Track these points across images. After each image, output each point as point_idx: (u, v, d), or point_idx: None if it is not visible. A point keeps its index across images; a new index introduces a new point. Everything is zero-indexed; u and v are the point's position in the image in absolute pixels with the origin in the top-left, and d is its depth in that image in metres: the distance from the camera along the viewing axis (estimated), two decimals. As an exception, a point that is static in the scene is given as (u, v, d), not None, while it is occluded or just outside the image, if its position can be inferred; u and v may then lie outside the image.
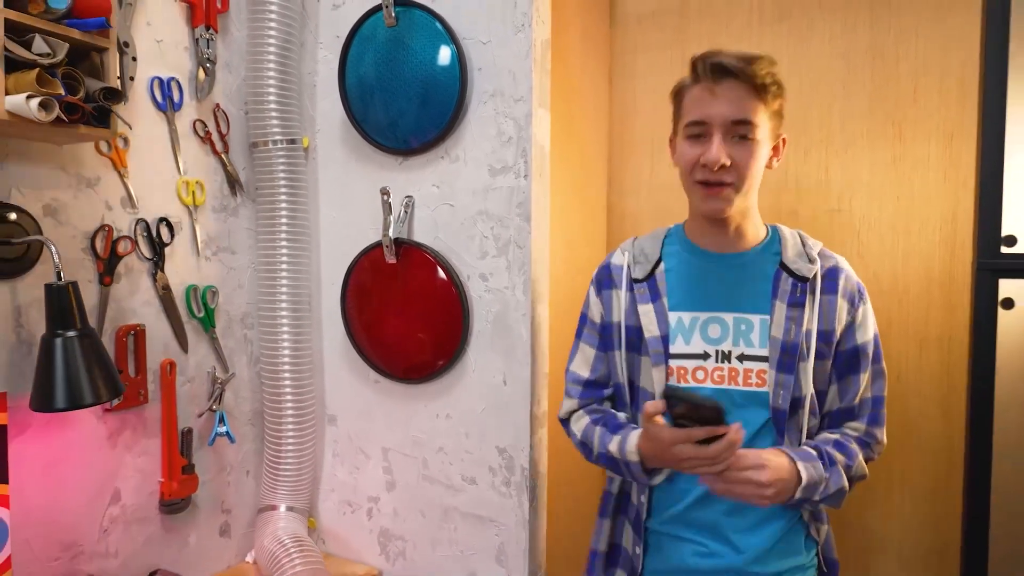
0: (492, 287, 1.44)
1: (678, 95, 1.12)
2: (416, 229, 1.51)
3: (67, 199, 1.24)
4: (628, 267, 1.19)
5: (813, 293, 1.10)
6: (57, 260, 1.06)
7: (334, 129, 1.61)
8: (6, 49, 1.00)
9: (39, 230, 1.18)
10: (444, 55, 1.44)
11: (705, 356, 1.11)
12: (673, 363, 1.12)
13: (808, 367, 1.07)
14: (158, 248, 1.39)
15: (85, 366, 1.06)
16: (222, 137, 1.53)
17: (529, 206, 1.40)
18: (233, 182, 1.55)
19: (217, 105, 1.52)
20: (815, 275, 1.10)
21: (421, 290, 1.49)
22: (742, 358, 1.11)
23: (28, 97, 0.99)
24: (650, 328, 1.13)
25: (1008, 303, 1.04)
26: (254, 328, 1.61)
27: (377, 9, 1.48)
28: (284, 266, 1.56)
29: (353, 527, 1.64)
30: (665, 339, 1.12)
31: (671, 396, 0.95)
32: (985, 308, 1.06)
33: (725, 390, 1.10)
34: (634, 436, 1.09)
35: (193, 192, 1.46)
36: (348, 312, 1.59)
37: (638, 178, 2.07)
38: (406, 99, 1.48)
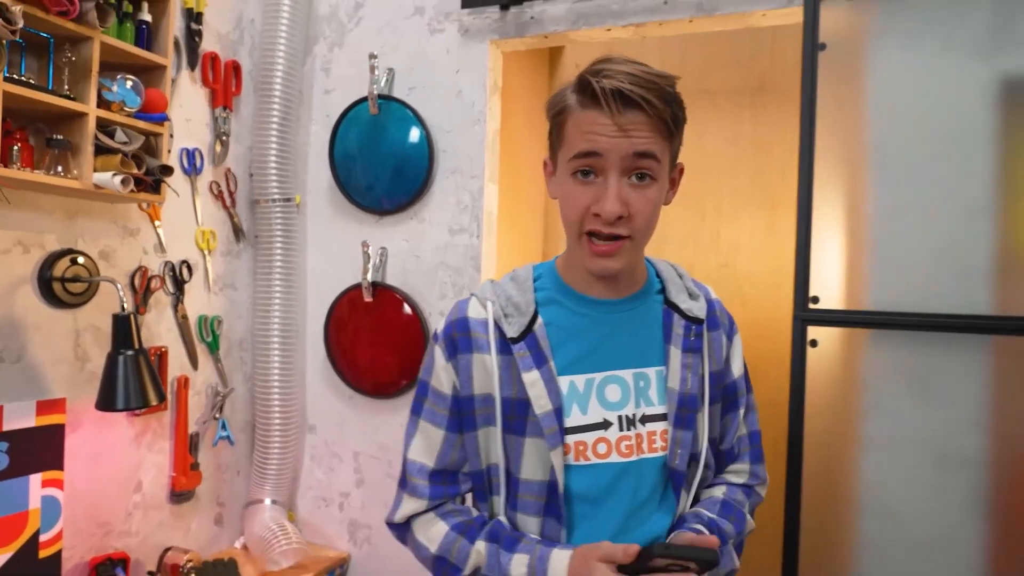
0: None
1: (560, 114, 0.91)
2: (388, 274, 1.89)
3: (116, 245, 1.57)
4: (496, 323, 0.95)
5: (703, 333, 0.97)
6: (122, 295, 1.39)
7: (322, 190, 1.97)
8: (96, 139, 1.34)
9: (97, 271, 1.51)
10: (416, 139, 1.83)
11: (606, 425, 0.93)
12: (570, 439, 0.92)
13: (705, 417, 0.96)
14: (180, 285, 1.72)
15: (139, 377, 1.39)
16: (231, 195, 1.87)
17: (480, 260, 1.80)
18: (237, 231, 1.90)
19: (228, 169, 1.86)
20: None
21: (391, 323, 1.86)
22: (645, 420, 0.94)
23: (114, 175, 1.33)
24: (541, 402, 0.91)
25: (814, 343, 1.48)
26: (249, 351, 1.94)
27: (363, 99, 1.87)
28: (277, 301, 1.90)
29: (326, 518, 1.97)
30: (559, 412, 0.92)
31: (658, 554, 0.81)
32: (799, 347, 1.49)
33: (635, 462, 0.93)
34: (560, 558, 0.87)
35: (208, 239, 1.80)
36: (329, 340, 1.94)
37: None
38: (383, 170, 1.87)
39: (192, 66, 1.73)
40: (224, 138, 1.83)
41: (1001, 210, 1.35)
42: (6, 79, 1.19)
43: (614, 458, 0.94)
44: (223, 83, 1.81)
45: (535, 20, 1.74)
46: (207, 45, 1.78)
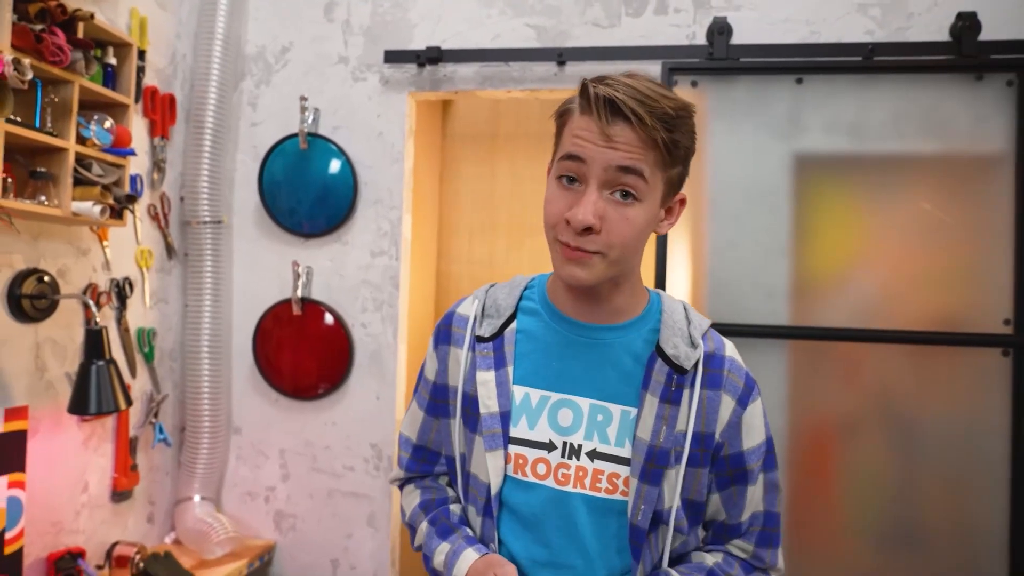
0: (370, 333, 2.11)
1: (562, 117, 0.90)
2: (314, 290, 2.13)
3: (71, 264, 1.70)
4: (475, 320, 0.99)
5: (692, 386, 0.91)
6: (96, 311, 1.55)
7: (248, 213, 2.18)
8: (76, 172, 1.50)
9: (58, 288, 1.64)
10: (341, 171, 2.10)
11: (550, 447, 0.93)
12: (512, 449, 0.93)
13: (677, 476, 0.91)
14: (123, 300, 1.86)
15: (110, 385, 1.55)
16: (165, 216, 2.03)
17: (398, 278, 2.10)
18: (170, 250, 2.06)
19: (164, 193, 2.02)
20: (697, 363, 0.92)
21: (318, 334, 2.10)
22: (594, 456, 0.92)
23: (94, 204, 1.50)
24: (488, 402, 0.94)
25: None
26: (179, 361, 2.10)
27: (293, 135, 2.10)
28: (207, 314, 2.07)
29: (252, 511, 2.16)
30: (506, 417, 0.93)
31: None
32: None
33: (566, 493, 0.92)
34: (467, 558, 0.92)
35: (146, 258, 1.95)
36: (257, 349, 2.14)
37: (459, 252, 2.84)
38: (309, 198, 2.11)
39: (136, 99, 1.89)
40: (161, 164, 1.99)
41: (794, 249, 1.88)
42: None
43: (550, 482, 0.92)
44: (161, 114, 1.98)
45: (447, 78, 2.08)
46: (148, 79, 1.94)
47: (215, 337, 2.09)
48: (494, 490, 0.94)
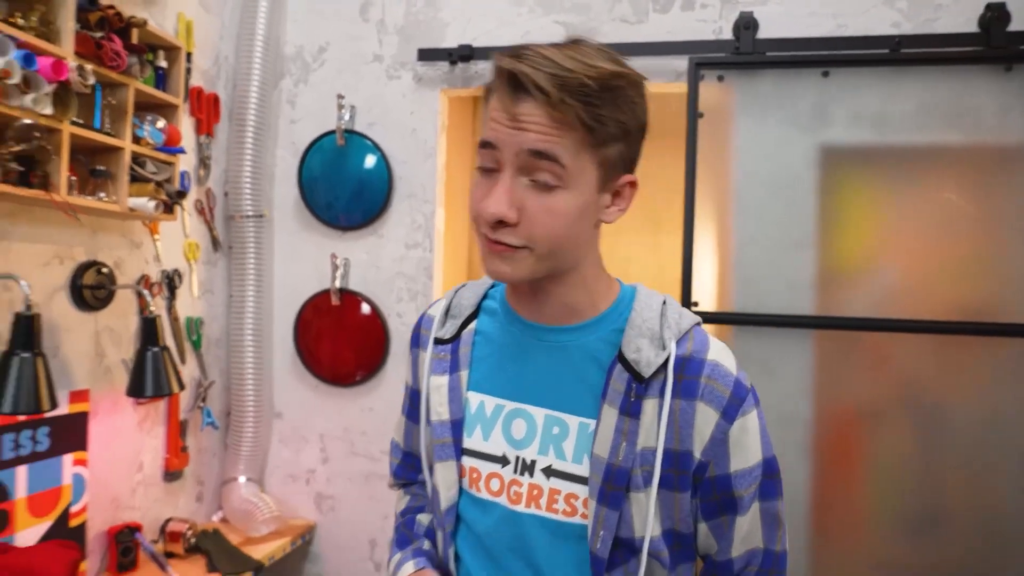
0: (405, 322, 2.18)
1: (485, 99, 0.79)
2: (351, 281, 2.22)
3: (125, 256, 1.81)
4: (439, 321, 0.92)
5: (661, 395, 0.78)
6: (151, 300, 1.65)
7: (288, 207, 2.27)
8: (132, 169, 1.60)
9: (115, 279, 1.74)
10: (377, 167, 2.17)
11: (504, 461, 0.84)
12: (467, 461, 0.85)
13: (646, 500, 0.78)
14: (173, 290, 1.97)
15: (164, 370, 1.65)
16: (210, 211, 2.13)
17: (432, 270, 2.17)
18: (215, 242, 2.16)
19: (209, 188, 2.12)
20: (666, 366, 0.79)
21: (355, 324, 2.19)
22: (550, 473, 0.82)
23: (149, 200, 1.60)
24: (439, 409, 0.87)
25: (695, 336, 2.00)
26: (224, 348, 2.20)
27: (331, 132, 2.18)
28: (250, 304, 2.17)
29: (294, 492, 2.26)
30: (458, 426, 0.85)
31: None
32: None
33: (518, 513, 0.82)
34: (404, 571, 0.89)
35: (193, 250, 2.05)
36: (298, 338, 2.23)
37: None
38: (346, 193, 2.19)
39: (184, 99, 1.98)
40: (207, 161, 2.09)
41: (820, 239, 1.91)
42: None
43: (503, 500, 0.84)
44: (206, 113, 2.07)
45: (478, 75, 2.14)
46: (193, 80, 2.03)
47: (258, 326, 2.18)
48: (445, 504, 0.86)
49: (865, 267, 1.89)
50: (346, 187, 2.20)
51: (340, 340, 2.20)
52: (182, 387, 1.69)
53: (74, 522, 1.66)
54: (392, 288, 2.19)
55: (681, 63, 1.96)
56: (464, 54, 2.08)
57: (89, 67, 1.41)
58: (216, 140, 2.15)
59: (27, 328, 1.33)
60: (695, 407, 0.79)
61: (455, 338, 0.90)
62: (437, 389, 0.88)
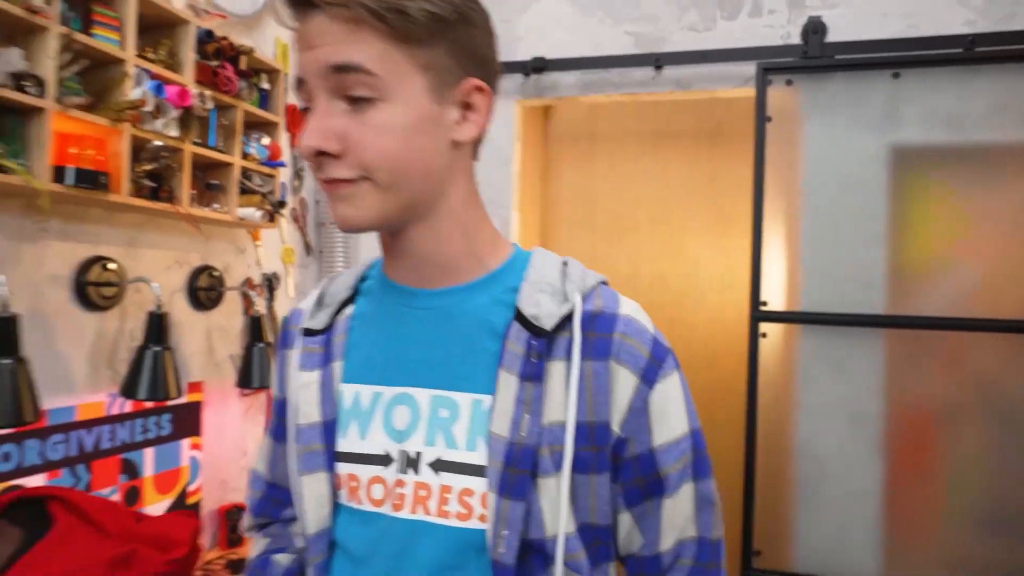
0: (482, 321, 2.31)
1: None
2: (431, 283, 2.35)
3: (232, 261, 1.99)
4: (308, 312, 0.78)
5: (568, 356, 0.67)
6: (256, 300, 1.82)
7: (373, 214, 2.42)
8: (241, 183, 1.77)
9: (223, 282, 1.93)
10: (455, 175, 2.30)
11: (386, 460, 0.69)
12: (342, 467, 0.71)
13: (556, 487, 0.65)
14: (272, 292, 2.15)
15: (269, 364, 1.82)
16: (303, 218, 2.31)
17: (507, 272, 2.29)
18: (308, 247, 2.33)
19: (302, 198, 2.30)
20: (571, 321, 0.68)
21: (435, 322, 2.32)
22: (438, 467, 0.67)
23: (256, 210, 1.77)
24: (306, 410, 0.72)
25: (764, 335, 2.03)
26: (315, 346, 2.38)
27: (412, 143, 2.33)
28: (339, 304, 2.33)
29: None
30: (330, 428, 0.71)
31: None
32: (754, 339, 2.03)
33: (402, 521, 0.68)
34: None
35: (289, 255, 2.23)
36: (382, 336, 2.39)
37: (560, 248, 3.01)
38: (427, 200, 2.33)
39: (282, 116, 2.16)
40: (300, 173, 2.26)
41: (890, 239, 1.92)
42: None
43: (386, 509, 0.69)
44: (299, 129, 2.24)
45: (551, 86, 2.25)
46: (288, 99, 2.21)
47: (346, 325, 2.34)
48: (314, 528, 0.70)
49: (937, 266, 1.89)
50: (426, 194, 2.34)
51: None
52: (284, 380, 1.86)
53: (191, 500, 1.84)
54: (470, 289, 2.32)
55: (749, 68, 2.01)
56: (537, 66, 2.19)
57: (208, 93, 1.59)
58: (308, 153, 2.33)
59: (158, 325, 1.51)
60: (609, 368, 0.67)
61: (328, 328, 0.75)
62: (306, 387, 0.73)
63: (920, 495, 1.91)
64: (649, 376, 0.69)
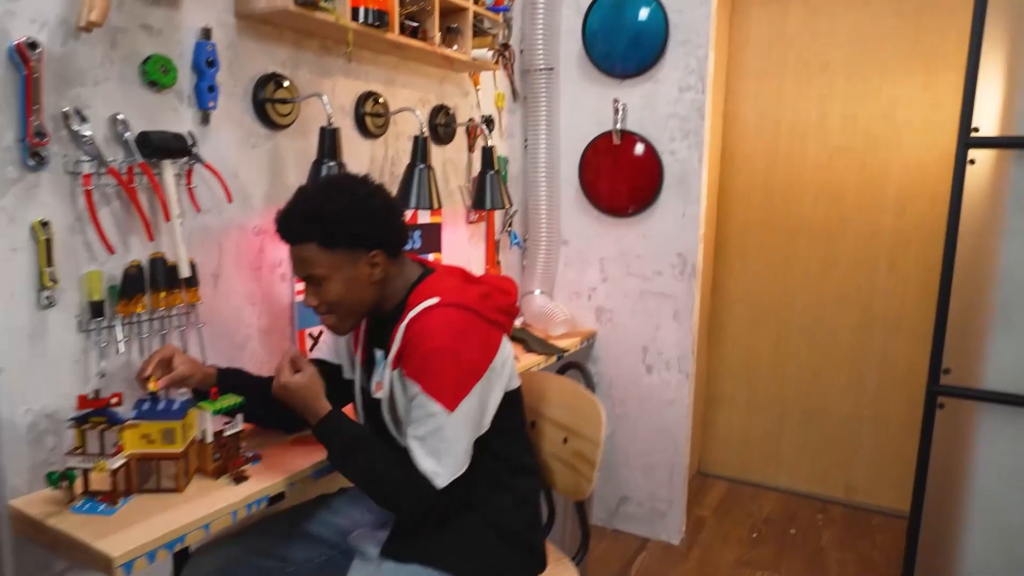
0: (678, 159, 2.46)
1: None
2: (629, 123, 2.51)
3: (459, 102, 2.26)
4: None
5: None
6: (488, 134, 2.09)
7: (573, 60, 2.59)
8: (475, 26, 1.99)
9: (455, 119, 2.20)
10: (651, 18, 2.40)
11: None
12: None
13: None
14: (489, 132, 2.41)
15: (498, 188, 2.10)
16: (511, 66, 2.52)
17: (704, 110, 2.40)
18: (515, 93, 2.56)
19: (510, 46, 2.50)
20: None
21: (632, 161, 2.51)
22: None
23: (488, 50, 1.99)
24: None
25: (972, 162, 2.02)
26: (520, 183, 2.65)
27: (611, -13, 2.43)
28: (542, 146, 2.57)
29: (578, 306, 2.73)
30: None
31: None
32: (960, 165, 2.02)
33: None
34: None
35: (500, 100, 2.47)
36: (582, 175, 2.61)
37: (746, 93, 3.03)
38: (624, 43, 2.45)
39: (493, -33, 2.33)
40: (508, 22, 2.45)
41: None
42: (437, -13, 1.84)
43: None
44: (508, -21, 2.41)
45: (755, -84, 2.23)
46: (499, -51, 2.37)
47: (549, 165, 2.59)
48: None
49: None
50: (623, 38, 2.46)
51: (617, 177, 2.54)
52: (511, 203, 2.14)
53: (437, 304, 2.22)
54: (666, 128, 2.46)
55: None
56: None
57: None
58: (514, 3, 2.50)
59: (423, 148, 1.81)
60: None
61: None
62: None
63: None
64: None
